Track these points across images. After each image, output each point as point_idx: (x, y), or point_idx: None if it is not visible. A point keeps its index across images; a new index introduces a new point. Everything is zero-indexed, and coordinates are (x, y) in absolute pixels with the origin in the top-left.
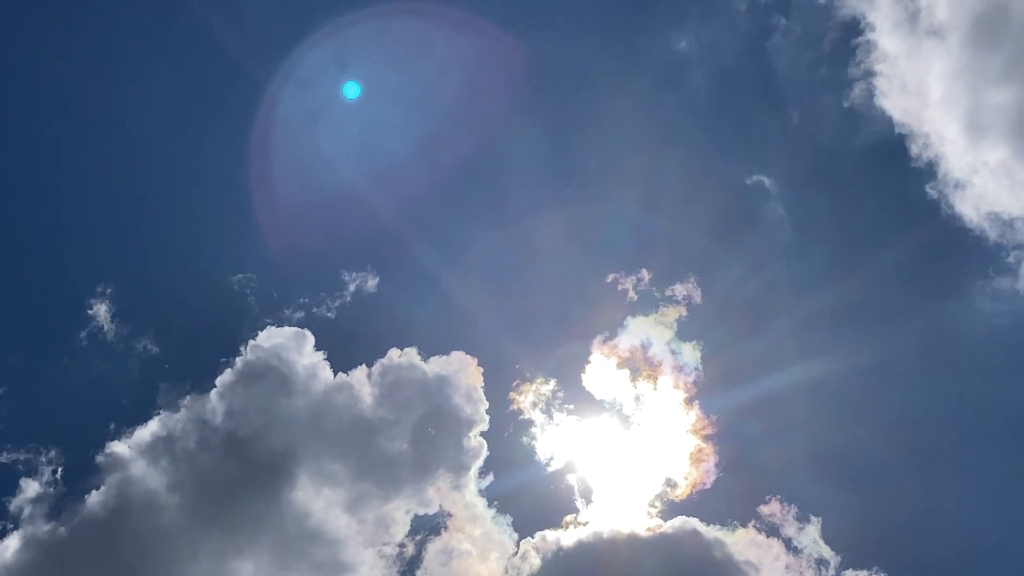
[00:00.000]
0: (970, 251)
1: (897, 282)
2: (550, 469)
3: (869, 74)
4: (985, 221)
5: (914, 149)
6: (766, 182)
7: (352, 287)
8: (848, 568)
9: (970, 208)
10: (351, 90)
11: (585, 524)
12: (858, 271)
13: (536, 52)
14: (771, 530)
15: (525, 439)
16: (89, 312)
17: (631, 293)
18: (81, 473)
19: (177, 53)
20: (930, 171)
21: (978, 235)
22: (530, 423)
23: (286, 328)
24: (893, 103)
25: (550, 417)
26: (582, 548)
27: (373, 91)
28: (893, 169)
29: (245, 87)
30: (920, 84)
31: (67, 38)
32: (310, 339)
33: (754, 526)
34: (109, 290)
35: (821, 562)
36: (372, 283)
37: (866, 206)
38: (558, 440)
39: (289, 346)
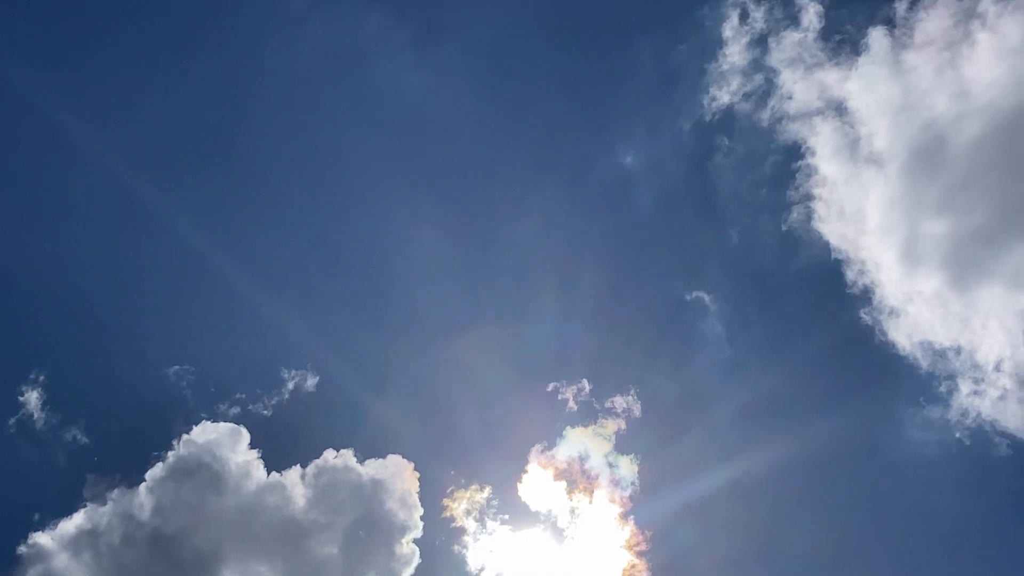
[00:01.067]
0: (902, 378)
1: (830, 405)
2: None
3: (808, 198)
4: (918, 349)
5: (850, 275)
6: (705, 298)
7: (291, 384)
8: None
9: (903, 336)
10: None
11: None
12: (793, 391)
13: (477, 157)
14: None
15: (457, 548)
16: (20, 399)
17: (571, 403)
18: (2, 564)
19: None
20: (865, 297)
21: (911, 363)
22: (463, 531)
23: (221, 424)
24: (831, 228)
25: (483, 526)
26: None
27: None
28: (829, 293)
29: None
30: (858, 210)
31: None
32: (245, 436)
33: None
34: (42, 377)
35: None
36: (311, 382)
37: (802, 328)
38: (491, 550)
39: (223, 442)
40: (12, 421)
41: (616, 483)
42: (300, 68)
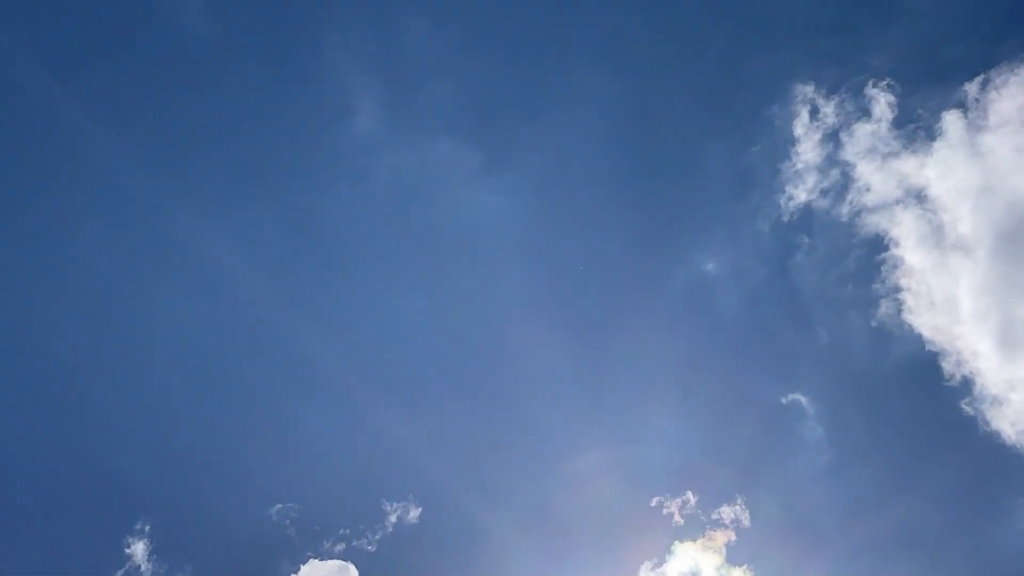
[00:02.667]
0: (1011, 468)
1: (938, 502)
2: None
3: (896, 290)
4: None
5: (946, 366)
6: (802, 400)
7: (393, 517)
8: None
9: (1008, 424)
10: None
11: None
12: (899, 491)
13: (556, 279)
14: None
15: None
16: (127, 551)
17: (677, 516)
18: None
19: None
20: (965, 387)
21: (1019, 451)
22: None
23: (329, 561)
24: (922, 319)
25: None
26: None
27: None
28: (927, 386)
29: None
30: (948, 299)
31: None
32: (353, 572)
33: None
34: (147, 527)
35: None
36: (414, 513)
37: (902, 424)
38: None
39: None
40: (119, 574)
41: None
42: (372, 200)
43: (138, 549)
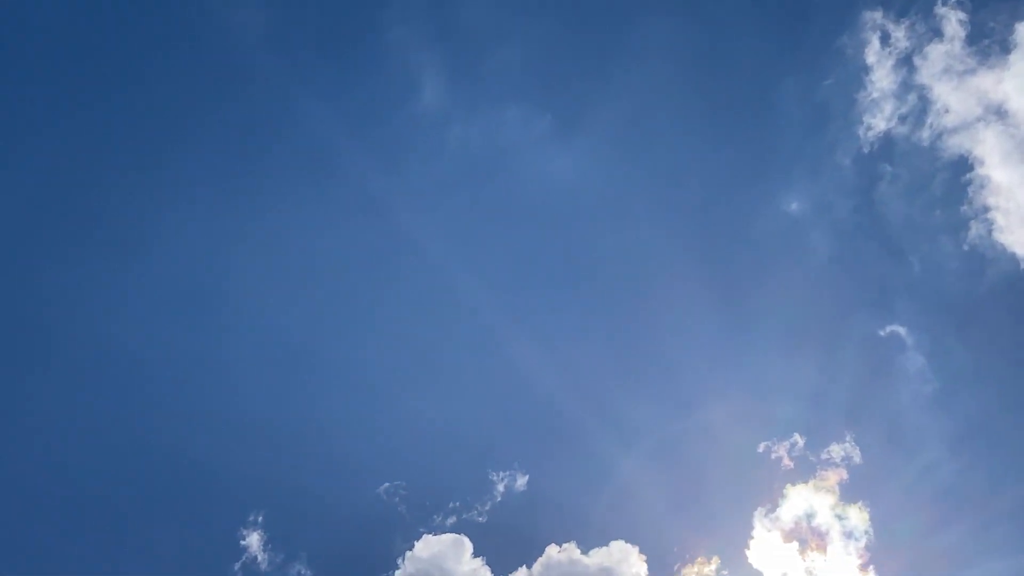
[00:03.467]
0: None
1: None
2: None
3: (985, 210)
4: None
5: None
6: (901, 332)
7: (501, 487)
8: None
9: None
10: None
11: None
12: (1007, 413)
13: (648, 238)
14: None
15: None
16: (242, 543)
17: (786, 460)
18: None
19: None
20: None
21: None
22: None
23: (442, 535)
24: (1014, 237)
25: None
26: None
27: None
28: None
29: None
30: None
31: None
32: (468, 545)
33: None
34: (260, 517)
35: None
36: (521, 481)
37: (1004, 346)
38: None
39: (447, 554)
40: (237, 567)
41: (849, 535)
42: (446, 171)
43: (253, 540)
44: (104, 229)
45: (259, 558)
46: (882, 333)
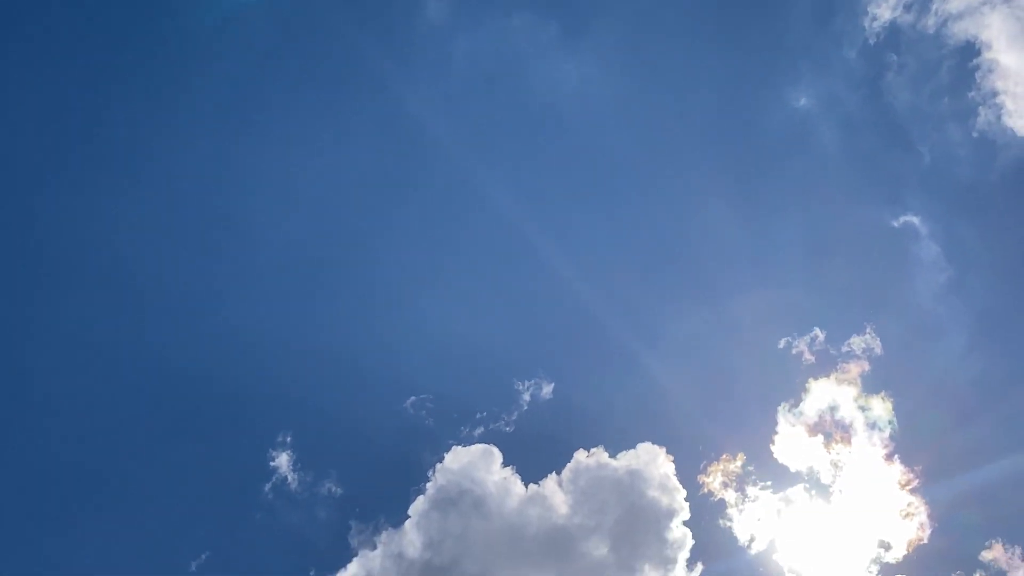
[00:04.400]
0: None
1: None
2: (755, 550)
3: (993, 95)
4: None
5: None
6: (914, 222)
7: (527, 396)
8: None
9: None
10: None
11: None
12: (1019, 302)
13: (659, 140)
14: None
15: (723, 521)
16: (272, 464)
17: (807, 355)
18: None
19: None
20: None
21: None
22: (725, 504)
23: (472, 447)
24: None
25: (745, 495)
26: None
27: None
28: None
29: None
30: None
31: None
32: (497, 455)
33: (981, 574)
34: (288, 438)
35: None
36: (547, 389)
37: (1017, 230)
38: (758, 518)
39: (478, 464)
40: (267, 487)
41: (872, 426)
42: (455, 80)
43: (282, 461)
44: (114, 147)
45: (289, 479)
46: (895, 224)
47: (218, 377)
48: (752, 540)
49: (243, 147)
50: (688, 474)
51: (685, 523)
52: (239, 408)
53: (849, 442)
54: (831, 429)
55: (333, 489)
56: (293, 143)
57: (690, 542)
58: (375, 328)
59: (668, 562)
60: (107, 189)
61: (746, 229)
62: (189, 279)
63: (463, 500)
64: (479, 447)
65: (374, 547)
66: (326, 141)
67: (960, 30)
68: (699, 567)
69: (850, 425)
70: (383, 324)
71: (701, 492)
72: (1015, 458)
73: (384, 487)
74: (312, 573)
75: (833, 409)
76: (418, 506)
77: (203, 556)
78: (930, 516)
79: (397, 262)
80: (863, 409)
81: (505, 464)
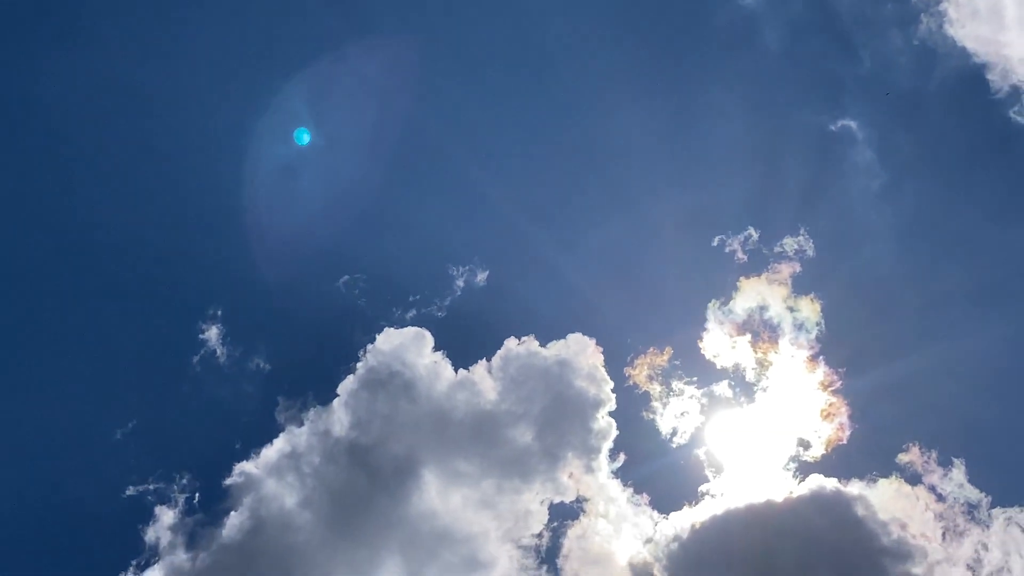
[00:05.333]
0: None
1: (989, 214)
2: (677, 444)
3: (936, 2)
4: None
5: (993, 78)
6: (852, 126)
7: (461, 281)
8: (997, 507)
9: None
10: None
11: (720, 496)
12: (952, 205)
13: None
14: (914, 478)
15: (647, 414)
16: (201, 336)
17: (740, 254)
18: (214, 497)
19: None
20: (1013, 97)
21: None
22: (650, 397)
23: (404, 329)
24: (965, 31)
25: (671, 390)
26: (720, 522)
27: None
28: (974, 101)
29: None
30: (992, 6)
31: None
32: (429, 339)
33: (896, 476)
34: (219, 311)
35: (970, 506)
36: (481, 276)
37: (951, 140)
38: (682, 413)
39: (409, 347)
40: (196, 360)
41: (800, 327)
42: None
43: (212, 334)
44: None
45: (218, 352)
46: (833, 128)
47: (151, 244)
48: (674, 433)
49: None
50: (616, 366)
51: (611, 414)
52: (171, 278)
53: (776, 342)
54: (759, 329)
55: (262, 364)
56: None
57: (614, 433)
58: (312, 204)
59: (592, 452)
60: (40, 50)
61: (685, 126)
62: (124, 139)
63: (393, 382)
64: (411, 330)
65: (301, 424)
66: None
67: None
68: (621, 458)
69: (778, 325)
70: (320, 200)
71: (627, 384)
72: (931, 351)
73: (314, 365)
74: (238, 446)
75: (762, 309)
76: (347, 385)
77: (129, 424)
78: (850, 417)
79: (340, 141)
80: (791, 310)
81: (436, 348)
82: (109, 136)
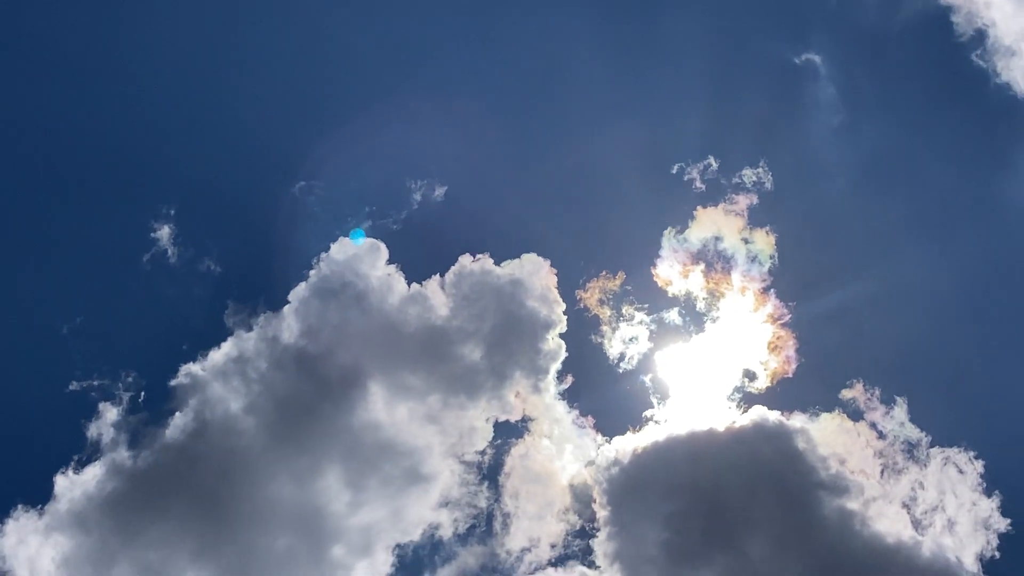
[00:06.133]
0: (1021, 120)
1: (949, 156)
2: (624, 369)
3: None
4: None
5: (958, 20)
6: (816, 60)
7: (418, 195)
8: (936, 446)
9: (1020, 76)
10: None
11: (663, 423)
12: (911, 147)
13: None
14: (856, 415)
15: (596, 338)
16: (152, 235)
17: (698, 183)
18: (159, 397)
19: None
20: (977, 40)
21: None
22: (599, 321)
23: (359, 239)
24: None
25: (621, 315)
26: (661, 448)
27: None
28: (938, 42)
29: None
30: None
31: None
32: (384, 251)
33: (839, 412)
34: (172, 211)
35: (910, 444)
36: (439, 191)
37: (914, 81)
38: (631, 339)
39: (363, 258)
40: (146, 258)
41: (753, 259)
42: None
43: (163, 233)
44: None
45: (169, 252)
46: (797, 61)
47: (106, 139)
48: (622, 358)
49: None
50: (569, 289)
51: (561, 336)
52: (124, 175)
53: (728, 273)
54: (713, 259)
55: (213, 267)
56: None
57: (563, 355)
58: (269, 106)
59: (540, 372)
60: None
61: (650, 52)
62: (79, 29)
63: (345, 292)
64: (368, 241)
65: (250, 328)
66: None
67: None
68: (569, 379)
69: (732, 257)
70: (278, 104)
71: (578, 307)
72: (881, 289)
73: (266, 270)
74: (185, 347)
75: (717, 240)
76: (299, 292)
77: (77, 320)
78: (797, 351)
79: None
80: (746, 242)
81: (390, 261)
82: (64, 27)
